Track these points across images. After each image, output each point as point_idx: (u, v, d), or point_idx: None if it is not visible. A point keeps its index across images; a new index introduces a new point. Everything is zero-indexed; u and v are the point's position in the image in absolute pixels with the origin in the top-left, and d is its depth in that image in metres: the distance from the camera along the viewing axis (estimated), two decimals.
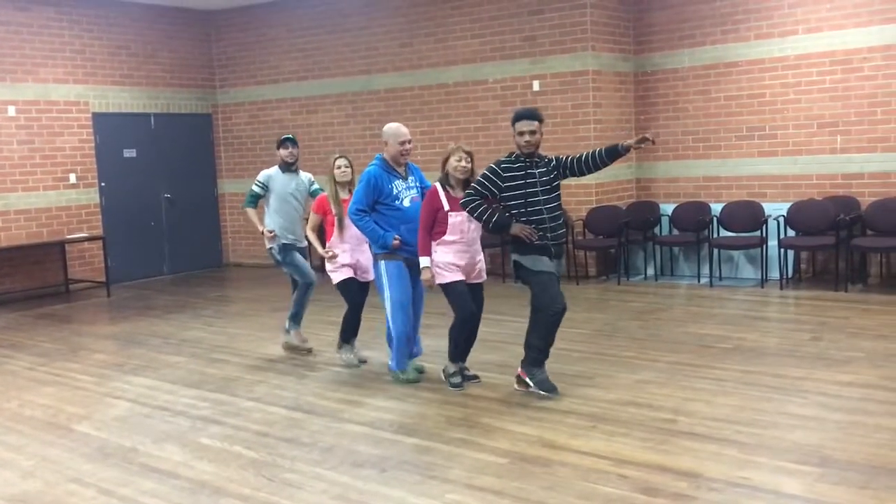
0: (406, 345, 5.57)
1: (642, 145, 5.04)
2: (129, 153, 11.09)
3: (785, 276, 8.66)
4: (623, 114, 9.69)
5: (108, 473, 4.29)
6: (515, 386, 5.25)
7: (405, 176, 5.55)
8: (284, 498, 3.87)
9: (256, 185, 6.55)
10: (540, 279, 4.99)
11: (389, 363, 5.69)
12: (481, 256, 5.43)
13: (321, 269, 6.27)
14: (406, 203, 5.47)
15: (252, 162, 12.03)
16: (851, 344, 6.13)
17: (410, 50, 10.45)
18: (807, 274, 9.04)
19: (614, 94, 9.55)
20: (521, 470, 4.05)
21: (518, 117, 5.04)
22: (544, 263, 5.00)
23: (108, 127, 10.80)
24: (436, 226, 5.24)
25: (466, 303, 5.25)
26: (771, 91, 8.96)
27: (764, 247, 8.74)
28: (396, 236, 5.38)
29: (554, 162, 5.10)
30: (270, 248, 6.54)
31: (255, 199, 6.55)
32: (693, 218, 9.16)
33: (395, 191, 5.46)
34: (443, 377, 5.50)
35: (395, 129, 5.52)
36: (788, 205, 8.74)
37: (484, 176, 5.05)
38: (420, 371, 5.72)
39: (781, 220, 8.70)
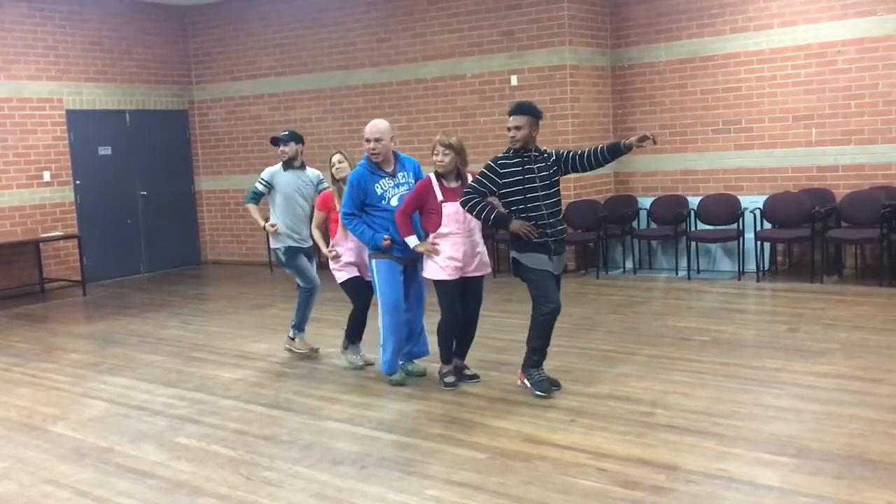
0: (395, 345, 5.40)
1: (644, 144, 4.93)
2: (105, 150, 10.97)
3: (762, 269, 8.73)
4: (601, 108, 9.72)
5: (83, 474, 4.25)
6: (518, 383, 5.19)
7: (393, 173, 5.38)
8: (263, 497, 3.85)
9: (260, 182, 6.32)
10: (536, 278, 4.94)
11: (383, 368, 5.51)
12: (482, 247, 5.29)
13: (326, 265, 6.04)
14: (394, 202, 5.31)
15: (230, 158, 11.96)
16: (827, 335, 6.19)
17: (388, 45, 10.42)
18: (783, 266, 9.13)
19: (592, 88, 9.57)
20: (501, 465, 4.06)
21: (508, 112, 4.99)
22: (542, 262, 4.94)
23: (82, 124, 10.68)
24: (430, 217, 5.15)
25: (454, 304, 5.17)
26: (747, 85, 9.02)
27: (741, 239, 8.80)
28: (386, 236, 5.25)
29: (554, 157, 5.02)
30: (276, 249, 6.35)
31: (258, 197, 6.32)
32: (671, 211, 9.21)
33: (379, 191, 5.31)
34: (437, 377, 5.39)
35: (366, 127, 5.37)
36: (765, 197, 8.81)
37: (481, 173, 4.98)
38: (419, 374, 5.55)
39: (758, 212, 8.77)
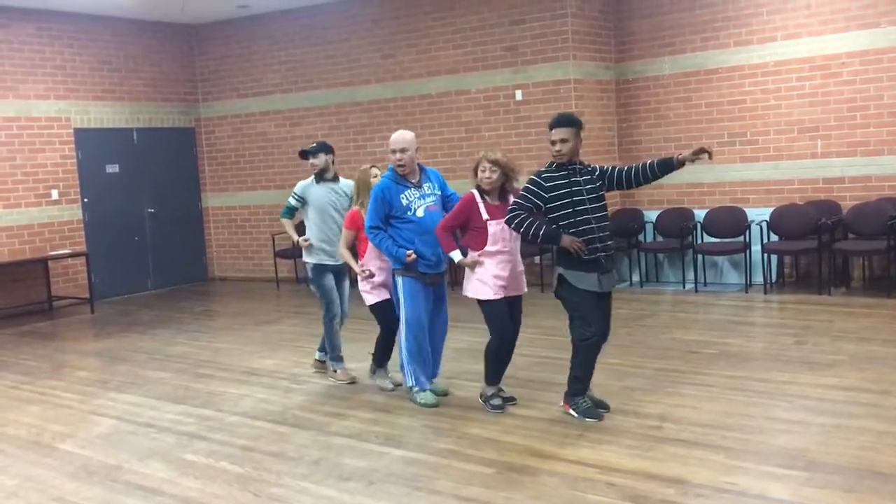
0: (420, 363, 5.26)
1: (701, 157, 4.61)
2: (112, 168, 11.03)
3: (769, 281, 8.71)
4: (605, 122, 9.74)
5: (92, 492, 4.25)
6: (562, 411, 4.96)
7: (419, 184, 5.26)
8: None
9: (293, 197, 6.11)
10: (578, 300, 4.72)
11: (406, 382, 5.38)
12: (522, 266, 5.11)
13: (355, 282, 5.74)
14: (420, 213, 5.17)
15: (236, 175, 12.01)
16: (835, 347, 6.17)
17: (393, 61, 10.47)
18: (790, 278, 9.10)
19: (596, 102, 9.59)
20: (509, 480, 4.05)
21: (550, 125, 4.77)
22: (590, 282, 4.71)
23: (90, 142, 10.74)
24: (472, 234, 4.96)
25: (506, 325, 4.97)
26: (751, 97, 9.03)
27: (747, 252, 8.79)
28: (410, 252, 5.09)
29: (598, 171, 4.83)
30: (306, 263, 6.10)
31: (291, 212, 6.14)
32: (677, 224, 9.21)
33: (405, 202, 5.17)
34: (480, 401, 5.17)
35: (391, 138, 5.25)
36: (771, 210, 8.80)
37: (526, 189, 4.77)
38: (442, 394, 5.39)
39: (764, 225, 8.76)
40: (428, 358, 5.33)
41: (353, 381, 5.97)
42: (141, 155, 11.34)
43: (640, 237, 9.54)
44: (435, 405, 5.23)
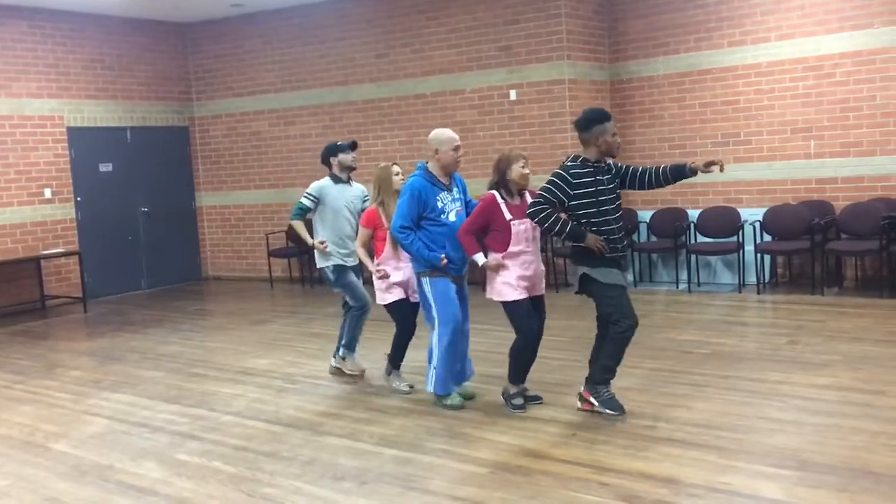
0: (452, 364, 5.14)
1: (711, 170, 4.61)
2: (105, 167, 11.00)
3: (762, 281, 8.73)
4: None
5: (84, 492, 4.24)
6: (579, 405, 4.93)
7: (450, 187, 5.12)
8: None
9: (307, 197, 5.93)
10: (613, 294, 4.69)
11: (429, 386, 5.22)
12: (542, 266, 5.05)
13: (369, 281, 5.69)
14: (452, 217, 5.04)
15: (230, 174, 11.98)
16: (828, 347, 6.18)
17: (387, 61, 10.47)
18: (783, 278, 9.13)
19: (591, 102, 9.57)
20: (503, 480, 4.05)
21: (608, 116, 4.70)
22: (616, 276, 4.72)
23: (83, 141, 10.71)
24: (495, 235, 4.87)
25: (531, 324, 4.92)
26: (745, 97, 9.05)
27: (741, 252, 8.81)
28: (443, 255, 4.97)
29: (615, 169, 4.82)
30: (323, 268, 5.97)
31: (304, 213, 5.94)
32: (670, 224, 9.22)
33: (440, 204, 5.02)
34: (502, 399, 5.13)
35: (446, 134, 5.09)
36: (764, 210, 8.82)
37: (552, 182, 4.68)
38: (469, 397, 5.27)
39: (757, 225, 8.78)
40: (459, 358, 5.21)
41: (363, 372, 6.03)
42: (134, 154, 11.31)
43: (635, 237, 9.55)
44: (461, 407, 5.12)
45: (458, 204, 5.14)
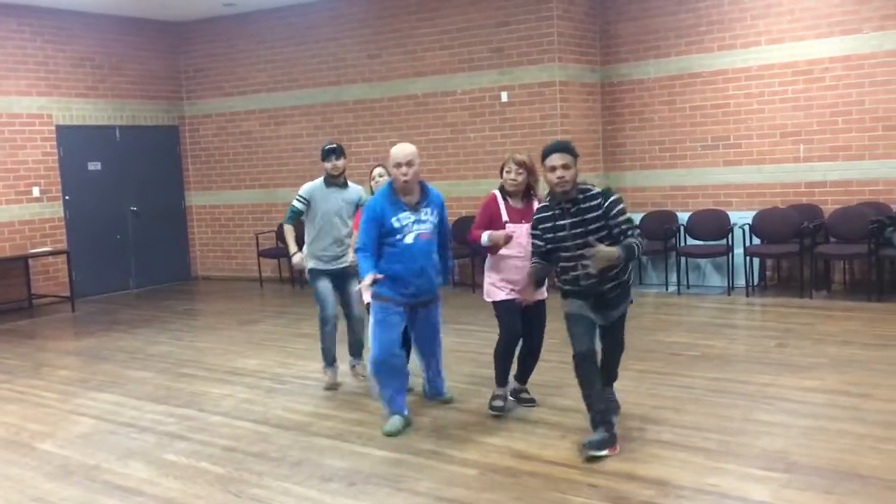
0: (386, 391, 4.87)
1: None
2: (94, 166, 10.95)
3: (751, 284, 8.77)
4: (591, 124, 9.76)
5: (71, 492, 4.21)
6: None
7: (416, 206, 4.73)
8: None
9: (298, 199, 5.72)
10: (569, 322, 4.44)
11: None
12: None
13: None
14: (409, 240, 4.68)
15: (220, 174, 11.95)
16: (816, 350, 6.21)
17: (379, 61, 10.46)
18: (772, 281, 9.17)
19: (581, 104, 9.62)
20: (491, 481, 4.04)
21: (547, 150, 4.34)
22: (577, 306, 4.41)
23: (72, 139, 10.66)
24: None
25: (513, 325, 4.91)
26: (735, 101, 9.08)
27: (730, 255, 8.84)
28: (374, 274, 4.63)
29: (603, 213, 4.28)
30: (305, 268, 5.86)
31: (296, 216, 5.73)
32: (660, 227, 9.25)
33: (397, 224, 4.68)
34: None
35: (392, 151, 4.75)
36: (753, 213, 8.86)
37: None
38: (447, 401, 5.17)
39: (747, 228, 8.82)
40: (399, 385, 4.91)
41: (331, 387, 5.83)
42: (124, 153, 11.26)
43: None
44: (395, 434, 4.72)
45: (424, 226, 4.74)
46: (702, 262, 9.28)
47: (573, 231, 4.32)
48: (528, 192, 4.93)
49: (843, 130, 8.55)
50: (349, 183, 5.85)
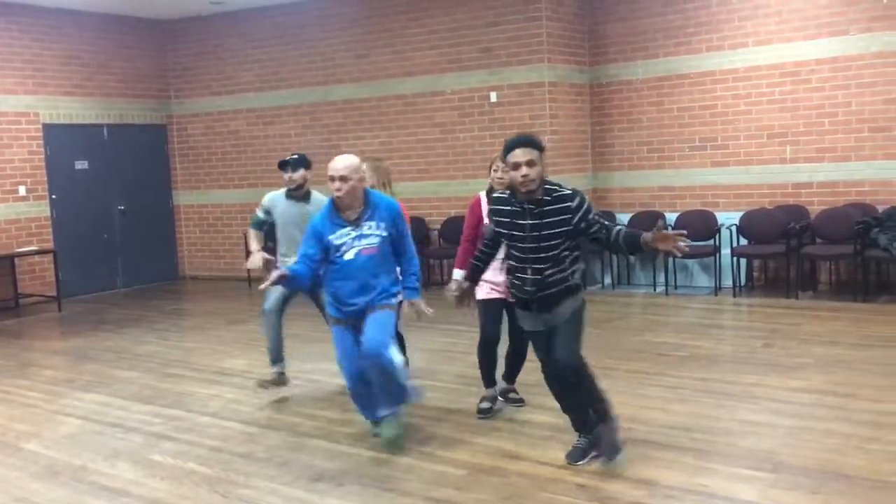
0: (361, 407, 4.71)
1: (667, 248, 3.82)
2: (81, 165, 10.88)
3: (738, 284, 8.81)
4: (579, 125, 9.79)
5: (57, 493, 4.19)
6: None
7: (357, 222, 4.39)
8: None
9: (260, 209, 5.61)
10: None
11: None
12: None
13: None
14: (348, 256, 4.37)
15: (208, 173, 11.90)
16: (802, 350, 6.24)
17: (368, 61, 10.45)
18: (759, 282, 9.21)
19: (570, 105, 9.64)
20: (480, 481, 4.05)
21: (505, 147, 4.01)
22: (521, 316, 4.25)
23: (59, 138, 10.59)
24: (476, 238, 4.76)
25: (487, 324, 4.87)
26: (722, 102, 9.12)
27: (717, 255, 8.88)
28: (284, 271, 4.32)
29: (574, 217, 3.92)
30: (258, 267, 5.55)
31: (258, 224, 5.63)
32: (648, 227, 9.23)
33: (337, 241, 4.37)
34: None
35: (330, 163, 4.41)
36: (740, 214, 8.89)
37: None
38: (396, 440, 4.59)
39: (734, 228, 8.86)
40: (361, 396, 4.65)
41: (262, 385, 5.63)
42: (111, 151, 11.20)
43: None
44: (394, 441, 4.51)
45: (364, 241, 4.39)
46: (689, 262, 9.31)
47: (532, 233, 3.94)
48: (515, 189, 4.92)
49: (830, 132, 8.60)
50: (313, 194, 5.56)
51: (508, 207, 4.03)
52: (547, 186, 3.94)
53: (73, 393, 6.09)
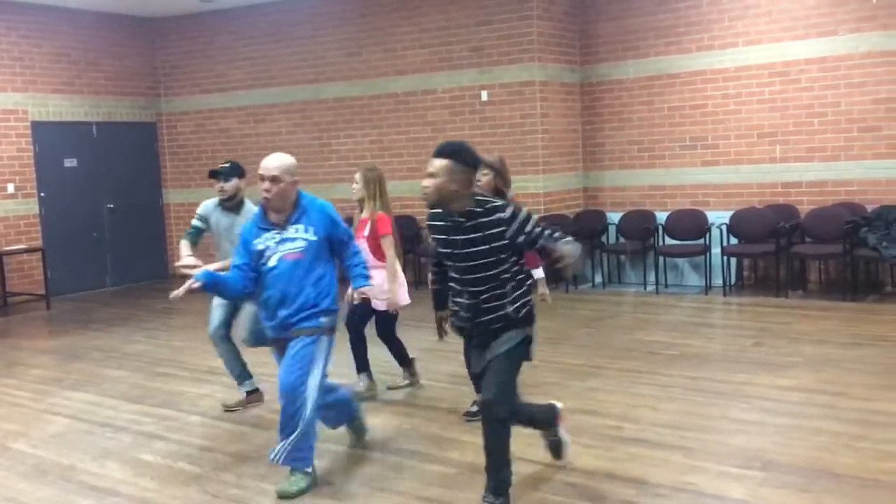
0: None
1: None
2: (70, 162, 10.83)
3: (728, 283, 8.83)
4: (570, 124, 9.80)
5: (45, 492, 4.16)
6: None
7: (283, 225, 4.05)
8: None
9: (197, 217, 5.36)
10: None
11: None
12: None
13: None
14: (272, 262, 4.01)
15: (198, 171, 11.84)
16: (792, 349, 6.27)
17: (359, 59, 10.43)
18: (749, 281, 9.24)
19: (561, 104, 9.65)
20: (471, 480, 4.04)
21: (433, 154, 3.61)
22: (472, 359, 3.89)
23: (47, 136, 10.53)
24: None
25: None
26: (712, 102, 9.15)
27: (707, 254, 8.90)
28: (195, 281, 4.01)
29: (508, 229, 3.52)
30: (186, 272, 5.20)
31: (195, 233, 5.31)
32: (639, 226, 9.30)
33: (261, 246, 4.05)
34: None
35: (261, 161, 4.11)
36: (730, 213, 8.92)
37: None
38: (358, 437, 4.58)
39: (724, 228, 8.88)
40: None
41: (228, 409, 5.37)
42: (100, 149, 11.14)
43: (604, 238, 9.62)
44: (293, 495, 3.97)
45: (288, 245, 4.02)
46: (680, 261, 9.34)
47: (465, 250, 3.58)
48: (497, 194, 4.77)
49: (819, 132, 8.64)
50: (246, 204, 5.29)
51: (442, 222, 3.66)
52: (479, 198, 3.59)
53: (61, 392, 6.06)
